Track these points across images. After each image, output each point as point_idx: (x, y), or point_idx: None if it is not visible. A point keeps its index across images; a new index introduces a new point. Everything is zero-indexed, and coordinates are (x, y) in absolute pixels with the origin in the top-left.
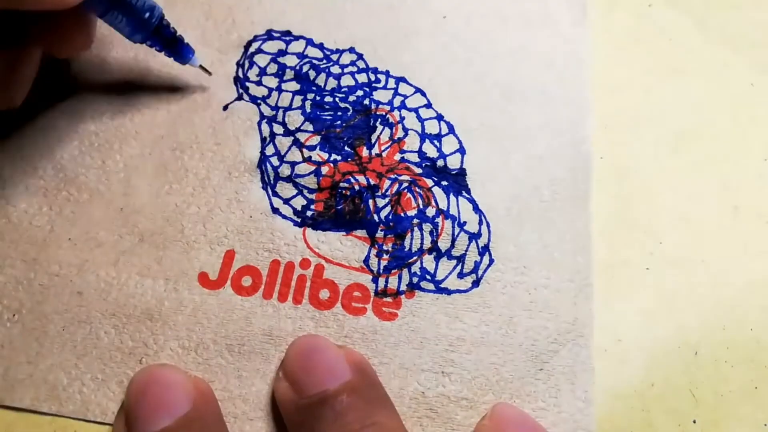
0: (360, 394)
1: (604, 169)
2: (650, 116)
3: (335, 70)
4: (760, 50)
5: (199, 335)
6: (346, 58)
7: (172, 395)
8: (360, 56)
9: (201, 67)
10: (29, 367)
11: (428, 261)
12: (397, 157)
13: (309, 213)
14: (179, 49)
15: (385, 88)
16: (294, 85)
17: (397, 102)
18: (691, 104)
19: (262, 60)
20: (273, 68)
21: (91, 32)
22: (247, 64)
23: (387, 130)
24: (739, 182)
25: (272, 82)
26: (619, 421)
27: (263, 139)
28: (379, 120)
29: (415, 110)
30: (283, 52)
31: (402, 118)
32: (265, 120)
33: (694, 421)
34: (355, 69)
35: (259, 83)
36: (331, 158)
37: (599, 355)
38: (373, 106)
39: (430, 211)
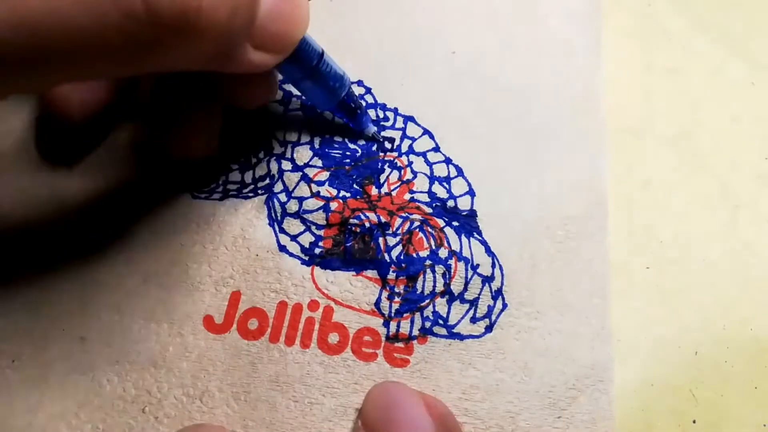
0: None
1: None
2: (650, 115)
3: None
4: (760, 49)
5: (204, 383)
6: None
7: (416, 412)
8: (368, 90)
9: (374, 135)
10: (28, 415)
11: (441, 305)
12: (407, 196)
13: (317, 250)
14: (359, 119)
15: (393, 127)
16: (301, 116)
17: (405, 146)
18: (690, 103)
19: None
20: (278, 94)
21: (275, 85)
22: None
23: (395, 173)
24: (739, 181)
25: (278, 110)
26: (618, 419)
27: (271, 177)
28: (387, 164)
29: (423, 154)
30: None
31: (410, 162)
32: (274, 157)
33: (694, 421)
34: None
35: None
36: (340, 194)
37: None
38: (381, 154)
39: (443, 253)
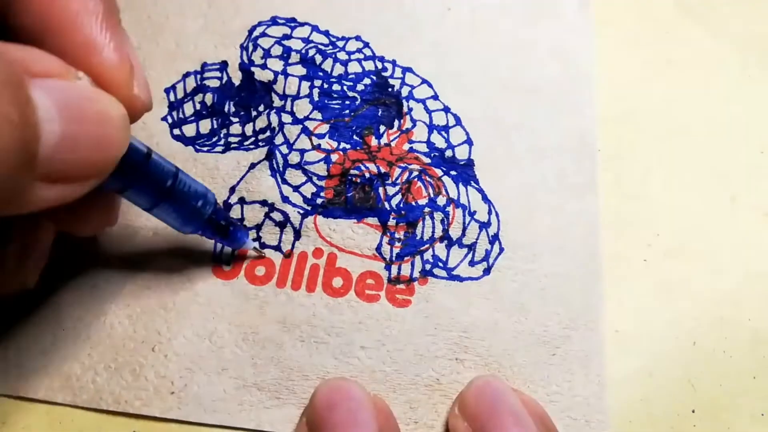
0: None
1: (602, 160)
2: (648, 108)
3: (342, 56)
4: (758, 43)
5: (214, 324)
6: (352, 45)
7: (362, 416)
8: (366, 44)
9: (255, 249)
10: (43, 357)
11: (440, 249)
12: (406, 147)
13: (319, 200)
14: (233, 235)
15: (392, 77)
16: (300, 69)
17: (405, 92)
18: (688, 96)
19: (266, 42)
20: (277, 50)
21: (116, 210)
22: (251, 47)
23: (396, 121)
24: (736, 174)
25: (277, 65)
26: (617, 410)
27: (272, 129)
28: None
29: (423, 101)
30: (287, 36)
31: (410, 109)
32: (274, 110)
33: (693, 411)
34: (362, 56)
35: (264, 66)
36: (341, 146)
37: None
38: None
39: (441, 200)
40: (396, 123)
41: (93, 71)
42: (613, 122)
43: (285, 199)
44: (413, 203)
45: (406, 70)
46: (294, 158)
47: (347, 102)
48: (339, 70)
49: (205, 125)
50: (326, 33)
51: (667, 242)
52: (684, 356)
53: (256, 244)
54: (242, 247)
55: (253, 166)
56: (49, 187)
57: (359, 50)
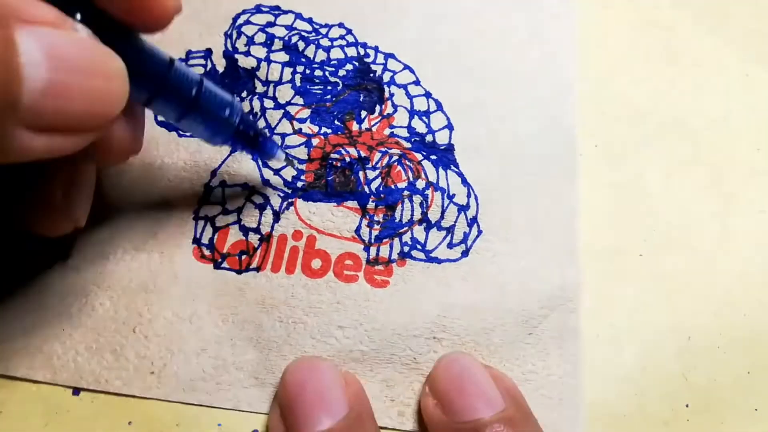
0: (515, 427)
1: (599, 156)
2: (645, 105)
3: (324, 42)
4: (756, 40)
5: (194, 305)
6: (335, 32)
7: (331, 395)
8: (349, 31)
9: (287, 159)
10: (24, 338)
11: (419, 231)
12: (387, 131)
13: (299, 184)
14: (263, 146)
15: (374, 62)
16: (283, 56)
17: (386, 78)
18: (685, 93)
19: (250, 30)
20: (261, 37)
21: (140, 137)
22: (235, 34)
23: (377, 107)
24: (733, 171)
25: (261, 52)
26: (611, 404)
27: (254, 114)
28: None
29: (404, 87)
30: (271, 24)
31: (391, 95)
32: (256, 96)
33: (687, 406)
34: (344, 42)
35: (247, 54)
36: (322, 131)
37: (592, 340)
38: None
39: (420, 184)
40: (377, 108)
41: None
42: (612, 118)
43: (266, 182)
44: (392, 187)
45: (389, 56)
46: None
47: (329, 87)
48: (321, 56)
49: None
50: (309, 20)
51: (663, 237)
52: (679, 351)
53: (285, 154)
54: (273, 158)
55: (233, 150)
56: (36, 136)
57: (342, 37)
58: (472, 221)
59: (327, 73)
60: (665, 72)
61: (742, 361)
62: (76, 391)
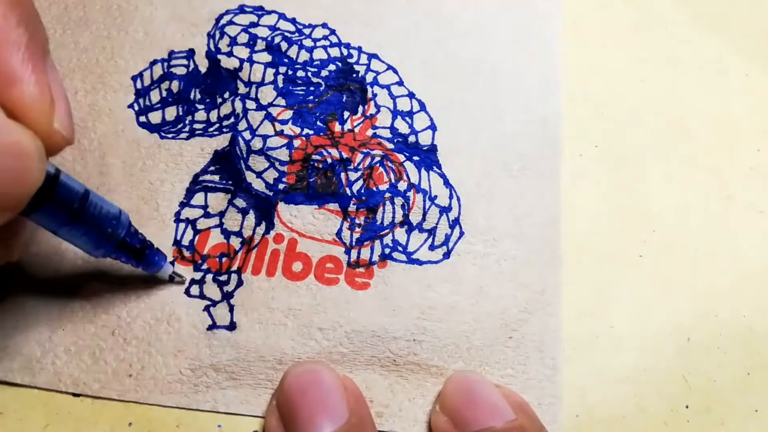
0: None
1: (599, 157)
2: (645, 105)
3: (308, 43)
4: (756, 41)
5: (172, 308)
6: (318, 33)
7: (332, 401)
8: (332, 31)
9: (174, 274)
10: (4, 340)
11: (400, 234)
12: (369, 132)
13: (281, 186)
14: (148, 258)
15: (357, 63)
16: (266, 57)
17: (369, 78)
18: (685, 94)
19: (232, 30)
20: (244, 38)
21: (15, 246)
22: (217, 35)
23: (360, 107)
24: (733, 172)
25: (243, 52)
26: (611, 405)
27: (236, 115)
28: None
29: (387, 87)
30: (254, 24)
31: (374, 95)
32: (239, 97)
33: (687, 406)
34: (327, 43)
35: (230, 54)
36: (304, 132)
37: (592, 341)
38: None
39: (402, 186)
40: (360, 109)
41: (9, 103)
42: (612, 119)
43: (248, 186)
44: (374, 189)
45: (372, 56)
46: (257, 144)
47: (311, 88)
48: (304, 56)
49: (171, 112)
50: (293, 21)
51: (663, 239)
52: (679, 352)
53: (175, 268)
54: (159, 271)
55: (216, 153)
56: None
57: (325, 37)
58: (455, 223)
59: (310, 74)
60: (665, 72)
61: (742, 361)
62: None
